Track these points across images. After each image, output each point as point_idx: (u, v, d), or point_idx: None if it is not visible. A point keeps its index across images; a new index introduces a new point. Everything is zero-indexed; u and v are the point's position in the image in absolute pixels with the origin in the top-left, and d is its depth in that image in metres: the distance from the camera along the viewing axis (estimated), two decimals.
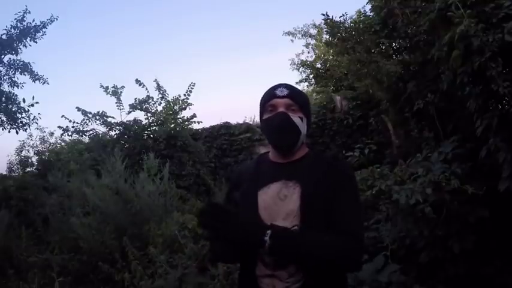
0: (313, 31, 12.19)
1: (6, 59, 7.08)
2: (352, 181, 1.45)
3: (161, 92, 7.41)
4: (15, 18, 6.88)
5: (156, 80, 7.40)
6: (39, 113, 7.30)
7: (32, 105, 7.05)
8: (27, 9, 6.87)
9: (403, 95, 4.39)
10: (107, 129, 7.40)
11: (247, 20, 23.58)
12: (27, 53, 7.73)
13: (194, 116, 7.63)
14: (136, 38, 23.59)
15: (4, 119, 7.06)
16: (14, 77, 7.14)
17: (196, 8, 22.74)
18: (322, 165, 1.43)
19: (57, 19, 7.15)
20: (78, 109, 7.17)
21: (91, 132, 7.43)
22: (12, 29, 6.89)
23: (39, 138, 10.57)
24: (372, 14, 5.11)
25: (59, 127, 7.25)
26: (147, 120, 7.46)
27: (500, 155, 2.90)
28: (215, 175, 7.57)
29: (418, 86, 4.18)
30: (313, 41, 12.29)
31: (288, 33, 12.41)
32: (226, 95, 23.32)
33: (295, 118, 1.41)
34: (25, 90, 8.75)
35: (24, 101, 7.04)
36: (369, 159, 3.98)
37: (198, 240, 3.91)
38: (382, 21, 4.65)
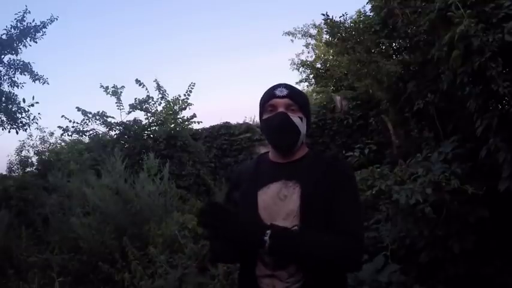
0: (313, 31, 12.20)
1: (6, 59, 7.09)
2: (352, 181, 1.45)
3: (161, 92, 7.42)
4: (15, 18, 6.89)
5: (156, 80, 7.42)
6: (39, 113, 7.31)
7: (32, 105, 7.06)
8: (27, 9, 6.89)
9: (403, 95, 4.39)
10: (107, 129, 7.41)
11: (247, 20, 23.61)
12: (27, 53, 7.74)
13: (194, 116, 7.64)
14: (136, 38, 23.63)
15: (4, 119, 7.06)
16: (14, 77, 7.15)
17: (196, 8, 22.78)
18: (322, 165, 1.43)
19: (57, 19, 7.17)
20: (78, 109, 7.19)
21: (91, 132, 7.44)
22: (12, 29, 6.89)
23: (39, 138, 10.59)
24: (372, 14, 5.11)
25: (59, 127, 7.27)
26: (147, 120, 7.47)
27: (500, 155, 2.90)
28: (215, 175, 7.57)
29: (418, 86, 4.18)
30: (313, 41, 12.30)
31: (288, 33, 12.42)
32: (226, 95, 23.33)
33: (295, 118, 1.41)
34: (25, 90, 8.77)
35: (24, 101, 7.05)
36: (369, 159, 3.98)
37: (198, 240, 3.91)
38: (382, 21, 4.65)
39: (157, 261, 3.62)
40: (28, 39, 7.00)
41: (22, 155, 10.17)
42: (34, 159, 9.75)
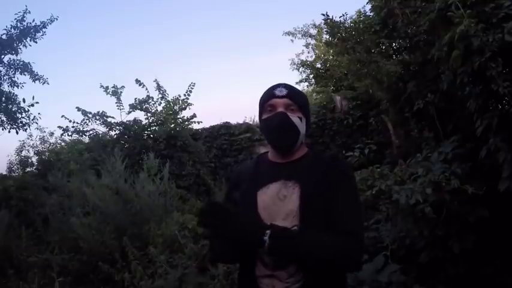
0: (313, 31, 12.19)
1: (6, 59, 7.09)
2: (352, 181, 1.44)
3: (161, 92, 7.42)
4: (15, 18, 6.89)
5: (156, 80, 7.42)
6: (39, 113, 7.32)
7: (32, 105, 7.07)
8: (27, 9, 6.89)
9: (403, 95, 4.39)
10: (107, 129, 7.41)
11: (247, 20, 23.62)
12: (27, 53, 7.76)
13: (194, 116, 7.64)
14: (136, 38, 23.64)
15: (4, 119, 7.06)
16: (14, 77, 7.15)
17: (196, 8, 22.79)
18: (322, 165, 1.42)
19: (57, 19, 7.17)
20: (78, 109, 7.19)
21: (91, 132, 7.44)
22: (12, 29, 6.89)
23: (39, 138, 10.60)
24: (372, 14, 5.11)
25: (59, 127, 7.27)
26: (147, 120, 7.47)
27: (500, 155, 2.90)
28: (215, 175, 7.57)
29: (418, 86, 4.18)
30: (313, 41, 12.29)
31: (288, 33, 12.41)
32: (226, 95, 23.35)
33: (294, 118, 1.41)
34: (25, 90, 8.79)
35: (24, 101, 7.05)
36: (369, 159, 3.98)
37: (198, 240, 3.91)
38: (382, 21, 4.65)
39: (157, 261, 3.62)
40: (28, 39, 7.01)
41: (22, 155, 10.20)
42: (34, 159, 9.77)
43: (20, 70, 7.09)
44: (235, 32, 24.39)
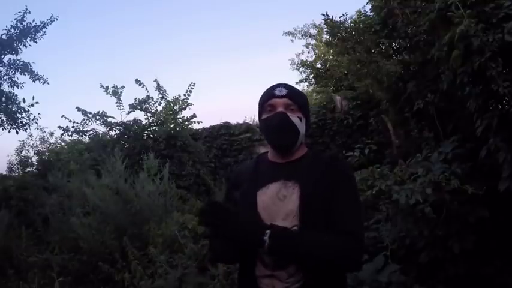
0: (313, 31, 12.20)
1: (6, 59, 7.10)
2: (352, 181, 1.44)
3: (161, 92, 7.42)
4: (15, 18, 6.89)
5: (156, 80, 7.42)
6: (39, 113, 7.32)
7: (32, 105, 7.07)
8: (27, 9, 6.89)
9: (403, 95, 4.39)
10: (107, 129, 7.41)
11: (247, 20, 23.63)
12: (27, 53, 7.77)
13: (194, 116, 7.65)
14: (136, 38, 23.65)
15: (4, 119, 7.06)
16: (14, 77, 7.16)
17: (196, 8, 22.80)
18: (321, 165, 1.42)
19: (57, 19, 7.18)
20: (78, 109, 7.19)
21: (91, 132, 7.44)
22: (12, 29, 6.89)
23: (39, 138, 10.61)
24: (372, 14, 5.11)
25: (59, 127, 7.27)
26: (147, 120, 7.47)
27: (500, 155, 2.90)
28: (215, 175, 7.57)
29: (418, 86, 4.18)
30: (313, 41, 12.30)
31: (288, 33, 12.42)
32: (226, 95, 23.37)
33: (294, 118, 1.41)
34: (25, 90, 8.80)
35: (24, 101, 7.06)
36: (369, 159, 3.98)
37: (198, 240, 3.91)
38: (382, 21, 4.65)
39: (157, 261, 3.62)
40: (28, 39, 7.01)
41: (22, 155, 10.20)
42: (34, 159, 9.78)
43: (20, 70, 7.09)
44: (235, 32, 24.44)
